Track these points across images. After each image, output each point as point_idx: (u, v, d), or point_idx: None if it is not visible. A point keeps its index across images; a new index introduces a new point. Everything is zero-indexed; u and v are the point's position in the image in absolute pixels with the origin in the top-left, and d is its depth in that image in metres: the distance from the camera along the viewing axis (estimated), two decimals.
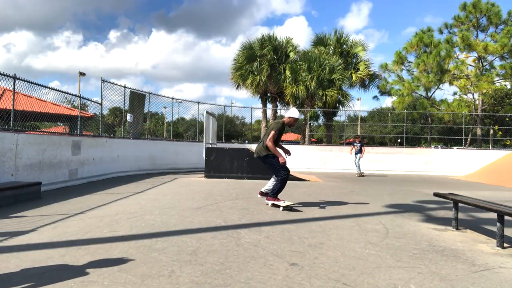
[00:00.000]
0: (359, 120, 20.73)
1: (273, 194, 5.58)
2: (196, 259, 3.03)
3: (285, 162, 5.45)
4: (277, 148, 5.66)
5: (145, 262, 2.94)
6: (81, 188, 7.69)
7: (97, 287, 2.40)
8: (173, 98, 14.65)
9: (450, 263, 3.10)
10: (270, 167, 5.58)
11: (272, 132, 5.45)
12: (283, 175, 5.48)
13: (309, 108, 19.50)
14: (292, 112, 5.79)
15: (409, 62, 26.21)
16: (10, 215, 4.65)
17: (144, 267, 2.81)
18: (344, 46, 21.81)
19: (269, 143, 5.40)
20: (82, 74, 22.32)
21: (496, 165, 13.48)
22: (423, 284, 2.59)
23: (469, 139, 22.19)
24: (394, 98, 26.21)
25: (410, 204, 6.51)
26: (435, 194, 5.13)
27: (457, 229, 4.43)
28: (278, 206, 5.49)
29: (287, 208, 5.47)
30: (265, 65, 20.46)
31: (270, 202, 5.63)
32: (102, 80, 10.51)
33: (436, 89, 25.96)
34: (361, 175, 13.11)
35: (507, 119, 26.38)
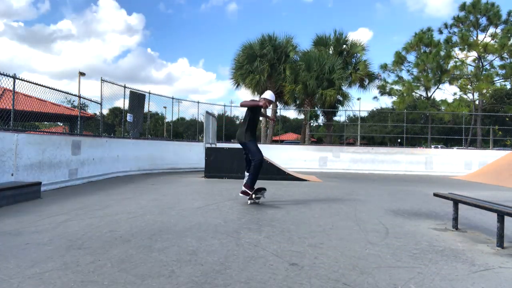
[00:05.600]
0: (359, 120, 20.76)
1: (250, 181, 5.75)
2: (196, 259, 3.03)
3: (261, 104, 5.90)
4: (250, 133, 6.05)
5: (145, 262, 2.93)
6: (81, 188, 7.69)
7: (97, 287, 2.40)
8: (173, 98, 14.65)
9: (450, 263, 3.09)
10: (249, 152, 5.88)
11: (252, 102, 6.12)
12: (256, 161, 5.73)
13: (308, 108, 19.51)
14: (267, 94, 6.13)
15: (409, 62, 26.21)
16: (10, 215, 4.65)
17: (144, 267, 2.80)
18: (344, 46, 21.83)
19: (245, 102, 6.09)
20: (82, 74, 22.30)
21: (496, 165, 13.46)
22: (423, 284, 2.59)
23: (469, 139, 22.18)
24: (394, 98, 26.23)
25: (410, 204, 6.51)
26: (435, 194, 5.13)
27: (457, 229, 4.43)
28: (248, 194, 5.75)
29: (254, 199, 5.82)
30: (265, 65, 20.47)
31: (243, 189, 5.82)
32: (101, 80, 10.52)
33: (436, 89, 25.97)
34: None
35: (507, 119, 26.38)
